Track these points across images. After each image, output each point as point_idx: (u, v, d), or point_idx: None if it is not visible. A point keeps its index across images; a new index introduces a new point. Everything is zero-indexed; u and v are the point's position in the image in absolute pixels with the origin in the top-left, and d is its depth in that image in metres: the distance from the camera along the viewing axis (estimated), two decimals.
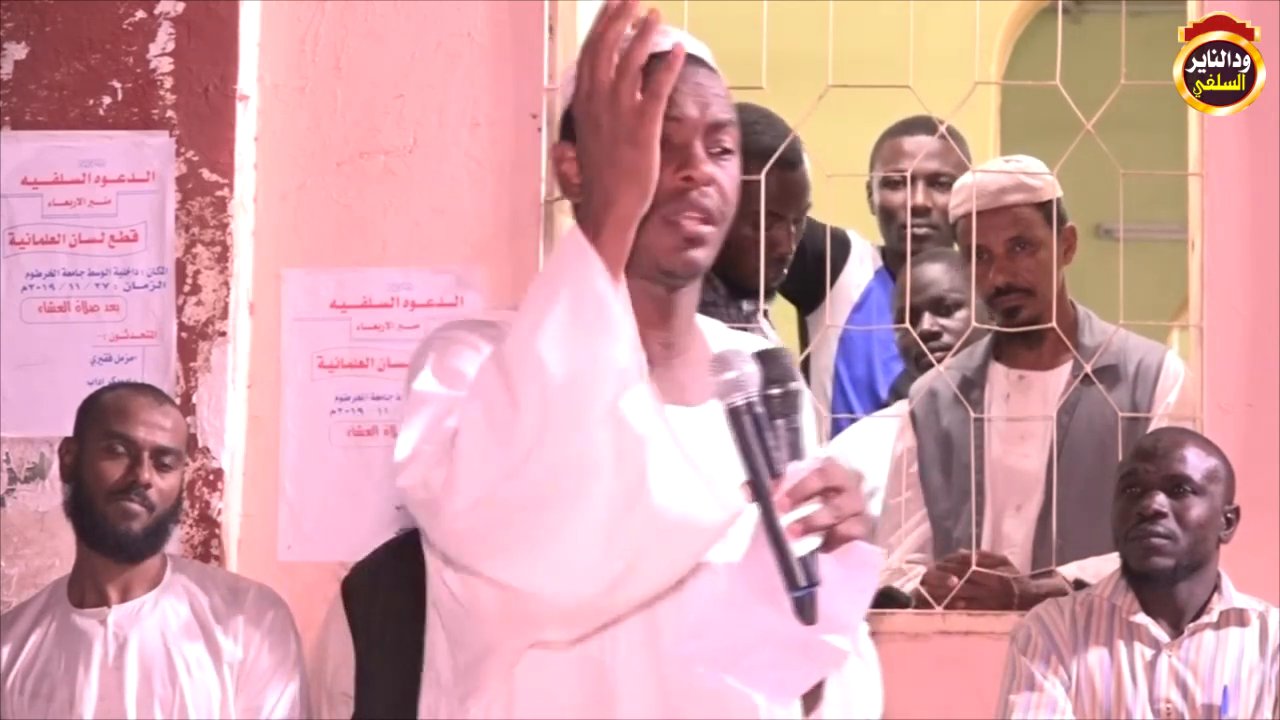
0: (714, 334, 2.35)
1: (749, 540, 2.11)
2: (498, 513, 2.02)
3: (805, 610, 2.08)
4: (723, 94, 2.28)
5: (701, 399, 2.24)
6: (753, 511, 2.08)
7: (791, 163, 4.43)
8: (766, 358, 2.12)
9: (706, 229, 2.23)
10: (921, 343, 4.56)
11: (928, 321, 4.68)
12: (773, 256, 4.43)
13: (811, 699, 2.23)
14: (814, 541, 2.07)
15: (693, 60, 2.26)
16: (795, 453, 2.10)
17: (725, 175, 2.25)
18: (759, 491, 2.07)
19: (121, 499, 3.75)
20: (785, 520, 2.06)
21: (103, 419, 3.80)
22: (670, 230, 2.22)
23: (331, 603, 3.85)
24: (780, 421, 2.11)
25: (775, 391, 2.11)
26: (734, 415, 2.09)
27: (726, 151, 2.26)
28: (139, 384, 4.00)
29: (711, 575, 2.17)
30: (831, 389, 5.07)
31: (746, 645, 2.12)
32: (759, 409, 2.09)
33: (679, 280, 2.27)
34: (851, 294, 5.13)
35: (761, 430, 2.08)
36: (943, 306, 4.70)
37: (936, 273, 4.72)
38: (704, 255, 2.25)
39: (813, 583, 2.06)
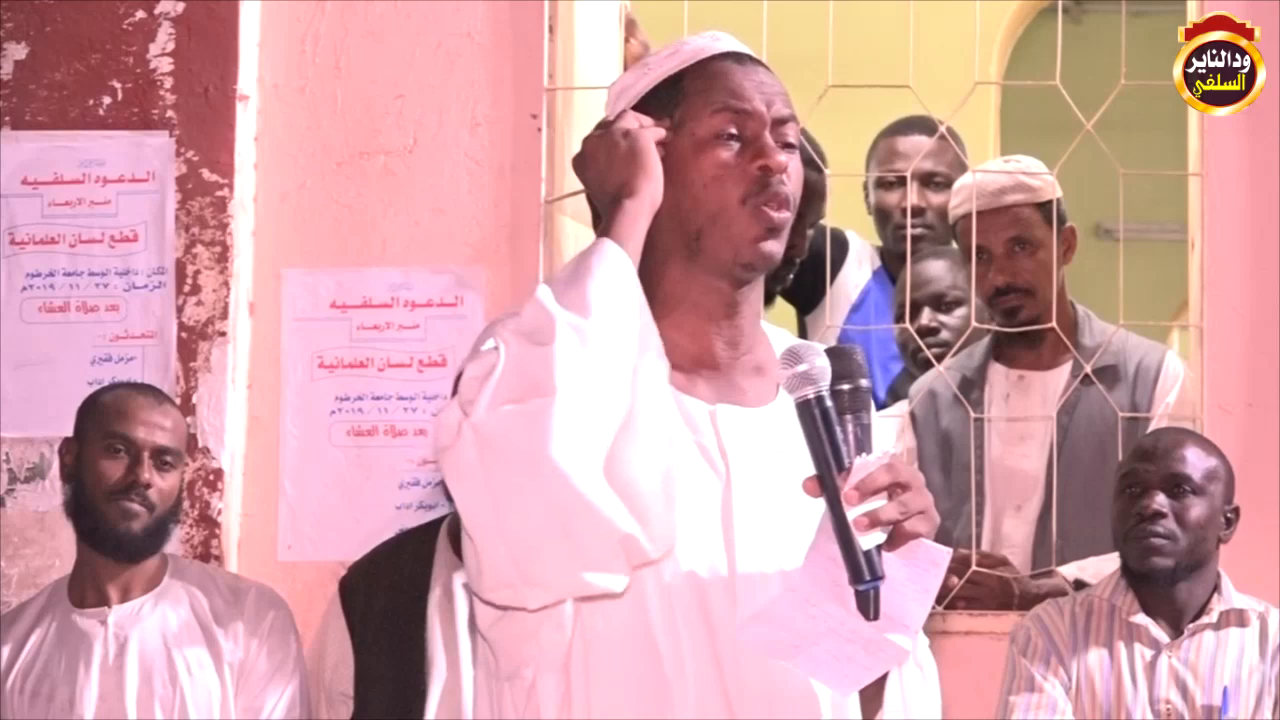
0: (779, 339, 2.36)
1: (815, 533, 2.12)
2: (509, 429, 2.05)
3: (868, 605, 2.09)
4: (783, 91, 2.33)
5: (760, 401, 2.28)
6: (820, 505, 2.10)
7: (817, 166, 4.44)
8: (837, 354, 2.15)
9: (782, 217, 2.28)
10: (919, 338, 4.56)
11: (927, 316, 4.68)
12: (785, 257, 4.43)
13: (869, 710, 2.23)
14: (879, 536, 2.08)
15: (751, 60, 2.34)
16: (862, 449, 2.12)
17: (794, 168, 2.30)
18: (826, 484, 2.09)
19: (121, 499, 3.75)
20: (852, 514, 2.07)
21: (102, 419, 3.79)
22: (750, 221, 2.26)
23: (329, 603, 3.85)
24: (849, 417, 2.13)
25: (845, 387, 2.14)
26: (804, 408, 2.11)
27: (790, 146, 2.30)
28: (139, 384, 4.00)
29: (775, 582, 2.18)
30: None
31: (808, 637, 2.12)
32: (828, 403, 2.11)
33: (754, 273, 2.30)
34: (850, 294, 5.13)
35: (830, 424, 2.11)
36: (943, 303, 4.70)
37: (938, 269, 4.72)
38: (779, 247, 2.29)
39: (876, 576, 2.08)
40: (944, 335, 4.64)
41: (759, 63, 2.34)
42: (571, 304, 2.11)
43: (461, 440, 2.07)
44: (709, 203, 2.26)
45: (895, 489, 2.10)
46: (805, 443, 2.11)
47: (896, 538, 2.10)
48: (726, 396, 2.27)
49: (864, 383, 2.15)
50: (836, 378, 2.13)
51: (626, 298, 2.15)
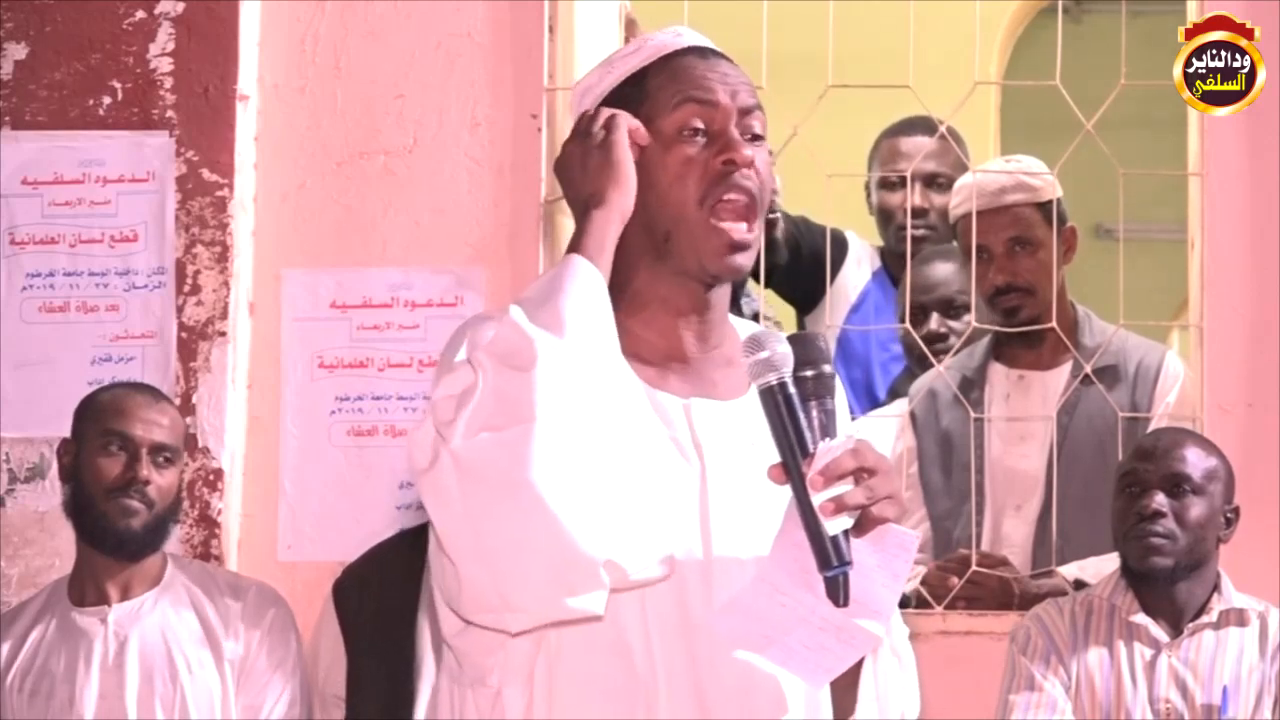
0: (745, 331, 2.35)
1: (783, 521, 2.12)
2: (488, 457, 2.04)
3: (837, 591, 2.08)
4: (747, 81, 2.31)
5: (732, 394, 2.27)
6: (786, 492, 2.09)
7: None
8: (799, 340, 2.14)
9: (751, 234, 2.26)
10: (926, 344, 4.55)
11: (935, 322, 4.66)
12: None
13: (845, 704, 2.23)
14: (846, 521, 2.07)
15: (713, 53, 2.32)
16: (827, 434, 2.11)
17: (761, 159, 2.28)
18: (791, 470, 2.08)
19: (121, 496, 3.75)
20: (817, 499, 2.06)
21: (100, 417, 3.80)
22: (715, 233, 2.24)
23: (322, 605, 3.85)
24: (813, 403, 2.12)
25: (808, 373, 2.13)
26: (767, 395, 2.10)
27: (757, 137, 2.29)
28: (135, 383, 4.00)
29: (751, 572, 2.18)
30: None
31: (779, 627, 2.11)
32: (791, 389, 2.10)
33: (722, 283, 2.29)
34: (849, 295, 5.12)
35: (794, 410, 2.10)
36: (952, 308, 4.67)
37: (946, 273, 4.69)
38: (748, 259, 2.27)
39: (844, 562, 2.07)
40: (952, 341, 4.62)
41: (722, 56, 2.32)
42: (547, 324, 2.10)
43: (439, 466, 2.06)
44: (673, 203, 2.25)
45: (861, 473, 2.08)
46: (769, 430, 2.10)
47: (864, 523, 2.09)
48: (699, 390, 2.27)
49: (827, 368, 2.14)
50: (799, 364, 2.12)
51: (600, 315, 2.14)
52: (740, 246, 2.25)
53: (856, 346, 5.10)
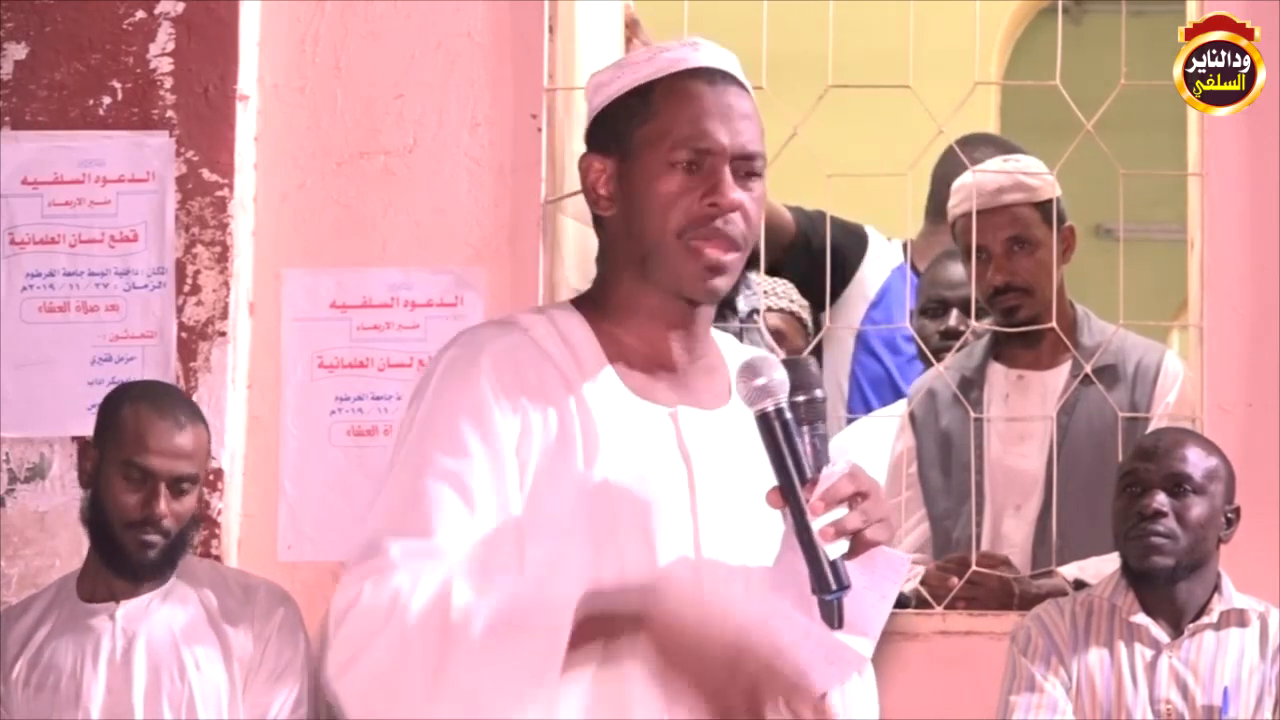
0: (725, 343, 2.38)
1: (780, 544, 2.14)
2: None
3: (833, 614, 2.11)
4: (752, 114, 2.29)
5: (716, 403, 2.29)
6: (782, 516, 2.12)
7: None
8: (792, 366, 2.17)
9: (729, 257, 2.26)
10: (944, 339, 4.54)
11: (955, 319, 4.65)
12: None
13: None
14: (843, 545, 2.10)
15: (724, 77, 2.29)
16: (820, 458, 2.14)
17: (751, 199, 2.26)
18: (790, 495, 2.10)
19: (138, 531, 3.71)
20: (817, 524, 2.09)
21: (121, 441, 3.70)
22: (693, 257, 2.25)
23: (330, 605, 3.84)
24: (806, 428, 2.15)
25: (801, 398, 2.15)
26: (765, 421, 2.12)
27: (753, 175, 2.27)
28: (162, 393, 3.85)
29: (739, 578, 2.20)
30: (849, 387, 5.07)
31: (776, 648, 2.13)
32: (788, 415, 2.12)
33: (700, 305, 2.30)
34: (867, 291, 5.12)
35: (791, 435, 2.12)
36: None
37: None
38: (725, 283, 2.28)
39: (843, 586, 2.09)
40: (970, 340, 4.61)
41: (734, 79, 2.30)
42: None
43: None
44: (652, 230, 2.25)
45: (856, 498, 2.11)
46: (767, 455, 2.12)
47: (857, 546, 2.12)
48: (685, 398, 2.28)
49: (819, 393, 2.17)
50: (792, 389, 2.14)
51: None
52: (718, 270, 2.25)
53: (875, 342, 5.09)
